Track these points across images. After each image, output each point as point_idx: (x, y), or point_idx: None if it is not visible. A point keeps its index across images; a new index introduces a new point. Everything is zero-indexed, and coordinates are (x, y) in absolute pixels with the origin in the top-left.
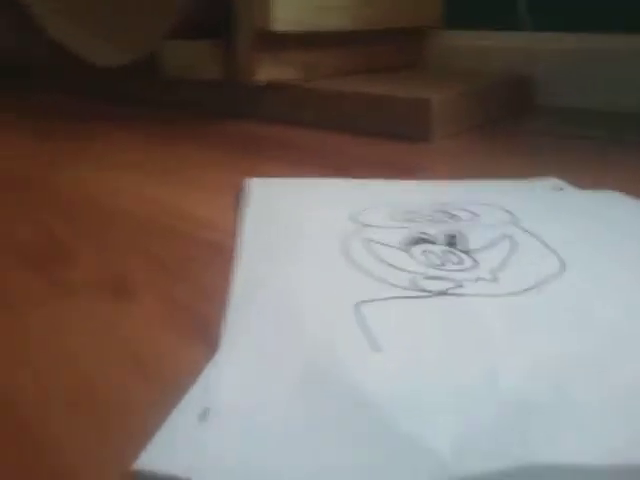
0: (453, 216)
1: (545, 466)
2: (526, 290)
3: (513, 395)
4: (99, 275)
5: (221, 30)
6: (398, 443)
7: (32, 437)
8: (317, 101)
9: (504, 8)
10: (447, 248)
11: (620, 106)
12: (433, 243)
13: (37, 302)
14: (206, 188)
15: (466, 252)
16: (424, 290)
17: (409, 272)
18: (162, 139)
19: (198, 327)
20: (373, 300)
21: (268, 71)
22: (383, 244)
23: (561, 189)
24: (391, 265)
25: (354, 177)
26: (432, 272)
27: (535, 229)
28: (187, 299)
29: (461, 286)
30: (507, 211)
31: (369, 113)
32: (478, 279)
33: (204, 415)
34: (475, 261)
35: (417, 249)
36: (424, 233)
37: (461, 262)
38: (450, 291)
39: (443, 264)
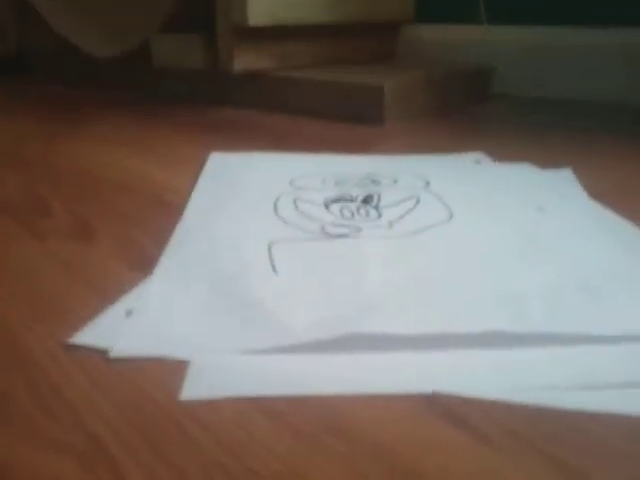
0: (376, 182)
1: (364, 334)
2: (412, 233)
3: (368, 297)
4: (68, 223)
5: (205, 24)
6: (266, 321)
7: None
8: (286, 88)
9: (468, 3)
10: (361, 204)
11: (569, 94)
12: (351, 201)
13: (15, 243)
14: (176, 161)
15: (376, 208)
16: (328, 234)
17: (321, 222)
18: (147, 122)
19: (144, 261)
20: (284, 241)
21: (245, 61)
22: (308, 202)
23: (479, 162)
24: (308, 217)
25: (307, 153)
26: (340, 222)
27: (439, 191)
28: (138, 240)
29: (360, 231)
30: (423, 178)
31: (331, 98)
32: (377, 227)
33: (129, 313)
34: (380, 214)
35: (336, 206)
36: (346, 194)
37: (368, 215)
38: (349, 235)
39: (353, 216)
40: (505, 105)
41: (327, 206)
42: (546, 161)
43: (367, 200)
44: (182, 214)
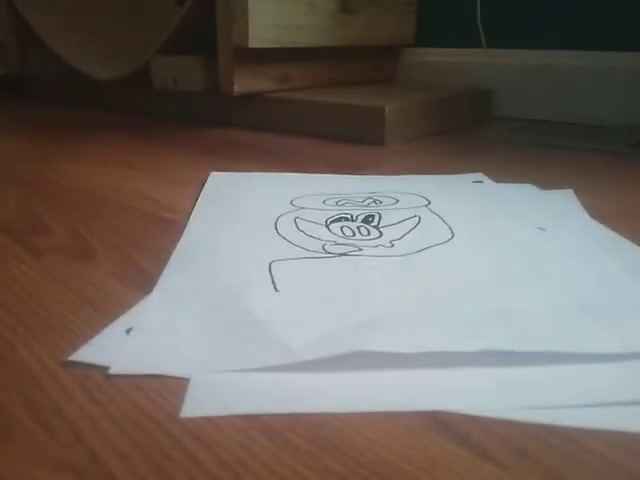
0: (377, 201)
1: (364, 353)
2: (413, 252)
3: (368, 315)
4: (67, 243)
5: (205, 46)
6: (266, 339)
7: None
8: (287, 110)
9: (467, 27)
10: (362, 224)
11: (569, 117)
12: (352, 221)
13: (14, 262)
14: (176, 182)
15: (377, 227)
16: (329, 253)
17: (322, 240)
18: (147, 143)
19: (143, 279)
20: (285, 259)
21: (245, 83)
22: (309, 221)
23: (481, 182)
24: (309, 236)
25: (308, 173)
26: (341, 240)
27: (440, 211)
28: (137, 260)
29: (361, 250)
30: (424, 197)
31: (332, 120)
32: (378, 245)
33: (129, 330)
34: (381, 233)
35: (336, 225)
36: (347, 213)
37: (369, 234)
38: (350, 253)
39: (354, 235)
40: (505, 127)
41: (328, 225)
42: (546, 182)
43: (368, 219)
44: (182, 233)
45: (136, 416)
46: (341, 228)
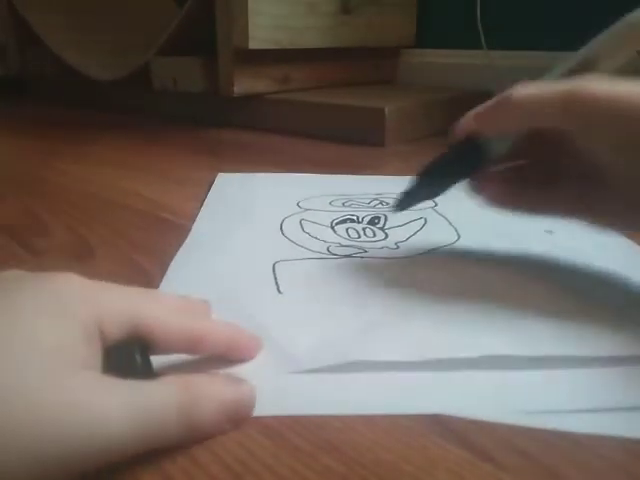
0: (383, 203)
1: (365, 362)
2: (419, 254)
3: (370, 320)
4: (66, 243)
5: (205, 47)
6: (268, 346)
7: None
8: (287, 111)
9: (468, 28)
10: (367, 225)
11: None
12: (358, 222)
13: (13, 262)
14: (175, 182)
15: (382, 229)
16: (334, 254)
17: (327, 242)
18: (147, 143)
19: (143, 280)
20: (289, 260)
21: (245, 84)
22: (314, 223)
23: None
24: (314, 238)
25: (311, 173)
26: (346, 242)
27: (447, 212)
28: (137, 260)
29: (366, 252)
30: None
31: (332, 121)
32: (383, 247)
33: None
34: (387, 235)
35: (342, 227)
36: (353, 215)
37: (374, 235)
38: (354, 255)
39: (359, 237)
40: None
41: (334, 227)
42: None
43: (374, 221)
44: (183, 234)
45: None
46: (346, 230)
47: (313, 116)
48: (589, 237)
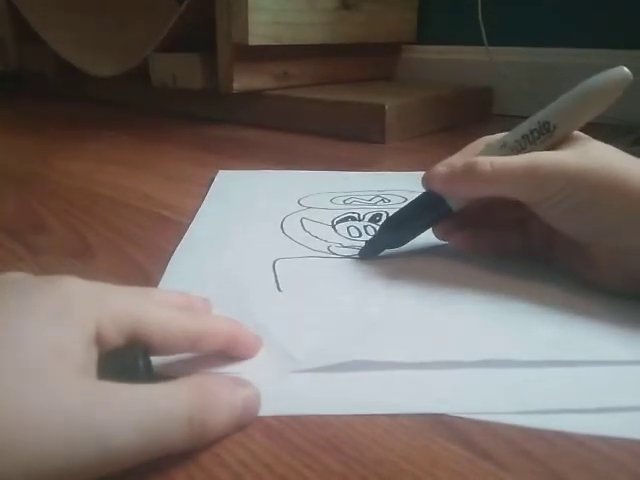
0: (385, 200)
1: (365, 362)
2: (420, 253)
3: (370, 320)
4: (65, 240)
5: (204, 44)
6: (267, 346)
7: None
8: (287, 107)
9: (469, 24)
10: (369, 223)
11: None
12: (359, 220)
13: (11, 259)
14: (175, 179)
15: None
16: (334, 254)
17: (328, 241)
18: (146, 140)
19: (142, 278)
20: (289, 258)
21: (245, 80)
22: (315, 221)
23: None
24: (315, 237)
25: (311, 170)
26: (347, 242)
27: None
28: (136, 258)
29: None
30: None
31: (332, 117)
32: None
33: None
34: None
35: (343, 225)
36: (354, 213)
37: None
38: (355, 255)
39: (360, 236)
40: (505, 125)
41: (334, 226)
42: None
43: (375, 218)
44: (183, 232)
45: None
46: (347, 228)
47: (313, 112)
48: None
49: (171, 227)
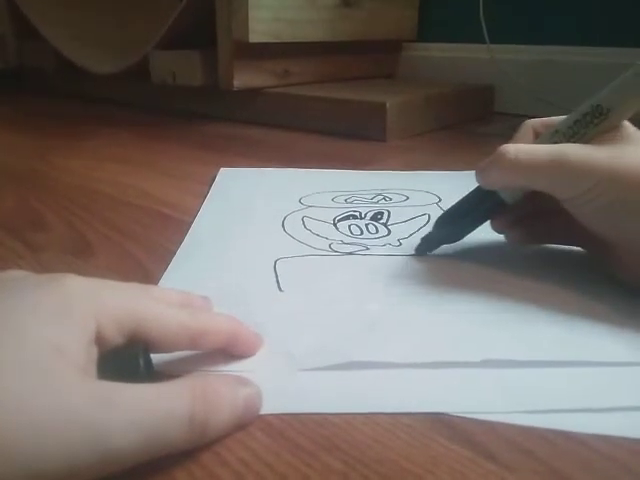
0: (387, 199)
1: (365, 362)
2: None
3: (370, 319)
4: (64, 238)
5: (204, 41)
6: (268, 345)
7: None
8: (288, 105)
9: (470, 22)
10: (370, 222)
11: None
12: (360, 218)
13: (11, 257)
14: (175, 177)
15: (385, 225)
16: (336, 251)
17: (329, 239)
18: (146, 137)
19: (142, 275)
20: (290, 257)
21: (245, 78)
22: (316, 220)
23: None
24: (316, 235)
25: (312, 168)
26: (348, 239)
27: None
28: (136, 255)
29: (368, 249)
30: (435, 195)
31: (333, 115)
32: (385, 244)
33: None
34: (389, 231)
35: (344, 223)
36: (355, 211)
37: (377, 232)
38: (356, 252)
39: (361, 234)
40: (506, 123)
41: (336, 224)
42: None
43: (377, 217)
44: (183, 230)
45: None
46: (349, 226)
47: (313, 110)
48: None
49: (171, 225)
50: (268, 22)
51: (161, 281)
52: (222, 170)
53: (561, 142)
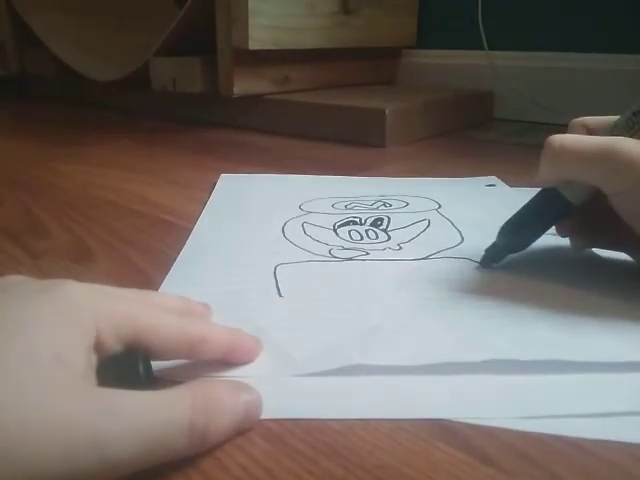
0: (387, 205)
1: (365, 366)
2: (421, 256)
3: (370, 324)
4: (65, 244)
5: (204, 48)
6: (268, 349)
7: None
8: (288, 111)
9: (469, 29)
10: (370, 227)
11: (570, 119)
12: (360, 224)
13: (11, 263)
14: (176, 183)
15: (385, 231)
16: (335, 257)
17: (329, 245)
18: (146, 143)
19: (142, 282)
20: (290, 263)
21: (245, 85)
22: (316, 226)
23: (493, 185)
24: (316, 240)
25: (312, 175)
26: (348, 245)
27: (451, 214)
28: (136, 262)
29: (368, 254)
30: (435, 201)
31: (333, 122)
32: (385, 249)
33: None
34: (389, 237)
35: (344, 229)
36: (355, 217)
37: (377, 237)
38: (356, 258)
39: (362, 239)
40: (505, 129)
41: (336, 230)
42: None
43: (377, 222)
44: (184, 236)
45: None
46: (349, 232)
47: (313, 117)
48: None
49: (172, 231)
50: (268, 29)
51: (161, 287)
52: (222, 176)
53: (620, 135)
